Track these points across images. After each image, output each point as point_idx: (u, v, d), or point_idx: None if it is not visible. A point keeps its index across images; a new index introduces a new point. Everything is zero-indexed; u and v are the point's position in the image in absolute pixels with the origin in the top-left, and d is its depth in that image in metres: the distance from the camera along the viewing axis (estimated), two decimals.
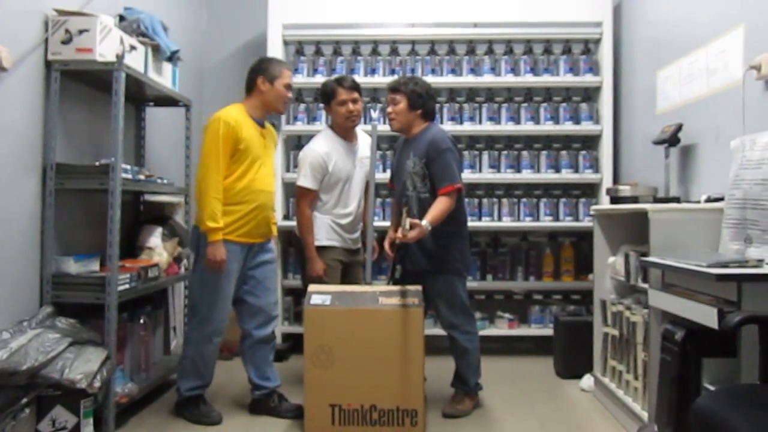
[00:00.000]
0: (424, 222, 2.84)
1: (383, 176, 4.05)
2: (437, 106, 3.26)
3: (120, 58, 2.78)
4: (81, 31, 2.73)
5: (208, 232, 2.85)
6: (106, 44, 2.79)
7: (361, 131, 3.47)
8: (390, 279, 3.22)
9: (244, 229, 2.96)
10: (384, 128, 3.62)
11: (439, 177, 2.98)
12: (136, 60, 3.02)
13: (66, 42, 2.73)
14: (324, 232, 3.28)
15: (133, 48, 3.00)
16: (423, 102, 3.10)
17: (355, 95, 3.30)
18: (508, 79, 4.37)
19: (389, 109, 3.15)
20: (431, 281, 3.07)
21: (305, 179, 3.24)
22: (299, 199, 3.28)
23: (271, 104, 3.06)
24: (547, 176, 4.33)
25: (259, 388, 3.12)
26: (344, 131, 3.35)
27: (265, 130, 3.11)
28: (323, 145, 3.30)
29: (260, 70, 3.06)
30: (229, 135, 2.87)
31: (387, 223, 3.67)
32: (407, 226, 2.77)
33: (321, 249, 3.28)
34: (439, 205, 2.93)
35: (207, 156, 2.88)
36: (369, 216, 3.22)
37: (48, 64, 2.75)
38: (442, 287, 3.08)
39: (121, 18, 3.13)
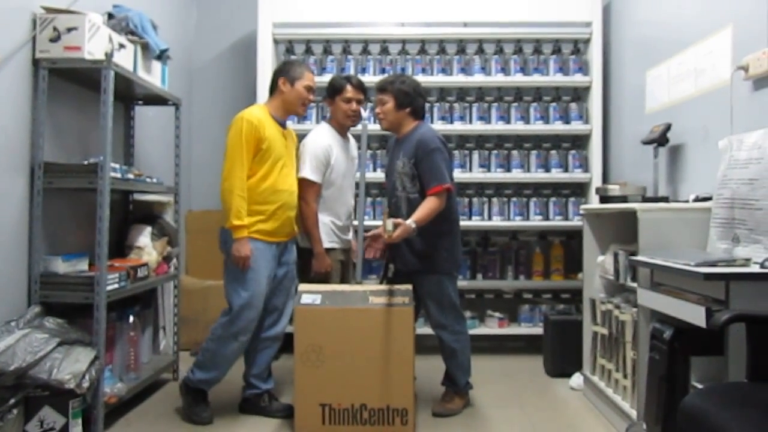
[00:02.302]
0: (409, 221, 2.84)
1: (372, 175, 4.07)
2: (427, 105, 3.26)
3: (109, 56, 2.76)
4: (69, 29, 2.71)
5: (233, 229, 2.87)
6: (95, 42, 2.77)
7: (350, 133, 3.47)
8: (383, 278, 3.22)
9: (271, 228, 2.98)
10: (373, 127, 3.62)
11: (428, 177, 2.97)
12: (125, 58, 3.00)
13: (54, 40, 2.71)
14: (325, 234, 3.26)
15: (122, 46, 2.98)
16: (411, 100, 3.09)
17: (361, 96, 3.32)
18: (498, 79, 4.38)
19: (377, 109, 3.15)
20: (421, 280, 3.07)
21: (310, 171, 3.20)
22: (305, 192, 3.20)
23: (290, 105, 3.09)
24: (537, 175, 4.34)
25: (252, 388, 3.11)
26: (341, 128, 3.36)
27: (286, 131, 3.13)
28: (325, 137, 3.29)
29: (282, 71, 3.10)
30: (252, 134, 2.90)
31: (377, 223, 3.69)
32: (389, 227, 2.77)
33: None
34: (427, 205, 2.92)
35: (231, 155, 2.90)
36: (359, 215, 3.23)
37: (36, 63, 2.73)
38: (432, 287, 3.07)
39: (110, 16, 3.11)
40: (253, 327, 3.02)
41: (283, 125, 3.11)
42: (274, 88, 3.11)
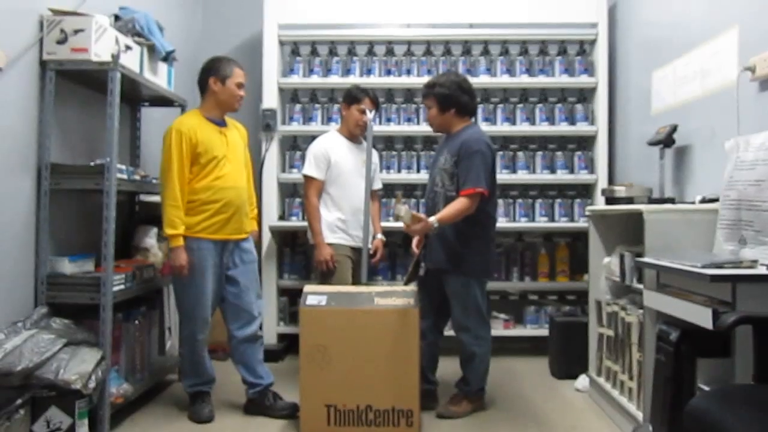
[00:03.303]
0: (432, 218, 2.84)
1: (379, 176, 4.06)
2: None
3: (115, 57, 2.78)
4: (76, 31, 2.73)
5: (168, 238, 2.92)
6: (102, 44, 2.79)
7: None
8: (411, 276, 3.20)
9: (214, 226, 2.99)
10: (378, 129, 3.65)
11: (464, 178, 2.97)
12: (132, 60, 3.02)
13: (61, 42, 2.73)
14: (329, 231, 3.38)
15: (128, 48, 2.99)
16: (453, 101, 3.08)
17: (373, 109, 3.47)
18: (503, 80, 4.38)
19: (426, 114, 3.24)
20: (448, 281, 3.07)
21: (309, 168, 3.41)
22: (305, 188, 3.47)
23: (224, 103, 3.09)
24: (543, 177, 4.33)
25: (254, 386, 3.12)
26: (350, 134, 3.50)
27: (226, 128, 3.13)
28: (327, 140, 3.50)
29: (211, 71, 3.09)
30: (183, 142, 2.92)
31: (390, 224, 3.73)
32: (401, 213, 2.79)
33: (329, 246, 3.38)
34: (455, 206, 2.92)
35: (163, 167, 2.94)
36: (365, 216, 3.24)
37: (43, 64, 2.75)
38: (458, 288, 3.05)
39: (117, 18, 3.12)
40: (208, 323, 3.06)
41: (220, 124, 3.10)
42: (204, 89, 3.09)
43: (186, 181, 2.93)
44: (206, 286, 3.00)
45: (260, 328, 3.21)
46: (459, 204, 2.92)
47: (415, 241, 3.20)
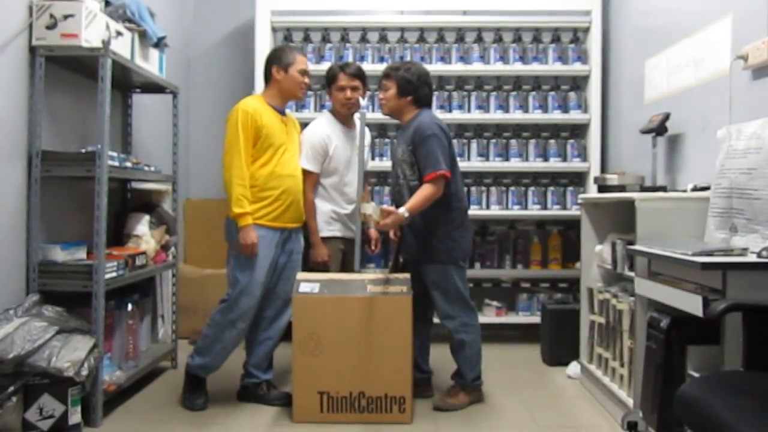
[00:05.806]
0: (402, 209, 2.83)
1: (370, 164, 4.05)
2: None
3: (106, 43, 2.75)
4: (66, 17, 2.70)
5: (236, 217, 2.89)
6: (92, 30, 2.76)
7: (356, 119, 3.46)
8: (394, 267, 3.20)
9: (274, 213, 2.99)
10: (373, 116, 3.62)
11: (423, 164, 2.94)
12: (123, 46, 2.99)
13: (51, 27, 2.70)
14: (324, 222, 3.26)
15: (119, 34, 2.96)
16: (413, 89, 3.05)
17: (356, 83, 3.27)
18: (497, 68, 4.37)
19: (380, 95, 3.14)
20: (425, 270, 3.04)
21: (307, 161, 3.21)
22: (302, 182, 3.22)
23: (288, 91, 3.10)
24: (536, 165, 4.34)
25: (251, 377, 3.12)
26: (343, 117, 3.34)
27: (286, 117, 3.15)
28: (324, 127, 3.28)
29: (274, 59, 3.10)
30: (249, 123, 2.92)
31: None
32: (369, 212, 2.77)
33: (322, 240, 3.26)
34: (421, 193, 2.89)
35: (229, 146, 2.92)
36: (357, 204, 3.23)
37: (32, 50, 2.72)
38: (436, 276, 3.03)
39: (107, 3, 3.08)
40: (252, 314, 3.02)
41: (281, 112, 3.11)
42: (268, 78, 3.11)
43: (250, 161, 2.93)
44: (261, 275, 2.97)
45: None
46: (425, 190, 2.89)
47: (392, 231, 3.19)
